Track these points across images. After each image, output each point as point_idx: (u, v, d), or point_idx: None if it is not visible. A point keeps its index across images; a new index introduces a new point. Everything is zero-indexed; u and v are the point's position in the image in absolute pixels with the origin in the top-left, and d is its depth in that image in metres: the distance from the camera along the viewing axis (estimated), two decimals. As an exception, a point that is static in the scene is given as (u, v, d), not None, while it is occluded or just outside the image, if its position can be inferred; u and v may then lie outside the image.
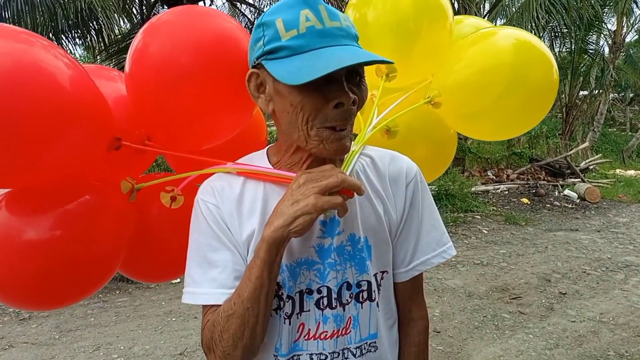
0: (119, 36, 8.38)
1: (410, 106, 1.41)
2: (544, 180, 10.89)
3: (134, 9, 7.70)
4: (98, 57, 8.14)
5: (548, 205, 9.07)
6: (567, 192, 9.80)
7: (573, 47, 13.08)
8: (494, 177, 11.03)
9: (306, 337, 0.98)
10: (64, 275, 1.11)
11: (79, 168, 1.08)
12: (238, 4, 9.75)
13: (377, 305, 1.03)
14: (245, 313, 0.87)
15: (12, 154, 0.93)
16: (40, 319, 4.23)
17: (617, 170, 13.50)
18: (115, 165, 1.22)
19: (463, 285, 5.00)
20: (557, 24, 10.72)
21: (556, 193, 9.94)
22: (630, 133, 21.77)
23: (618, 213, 8.64)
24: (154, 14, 7.40)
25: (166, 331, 3.99)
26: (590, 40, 13.69)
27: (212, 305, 0.94)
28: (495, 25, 1.78)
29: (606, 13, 14.90)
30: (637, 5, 14.96)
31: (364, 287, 1.01)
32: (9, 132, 0.91)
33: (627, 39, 17.80)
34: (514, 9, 10.21)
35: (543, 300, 4.60)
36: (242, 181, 0.99)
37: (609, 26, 15.75)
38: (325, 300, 0.98)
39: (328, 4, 0.89)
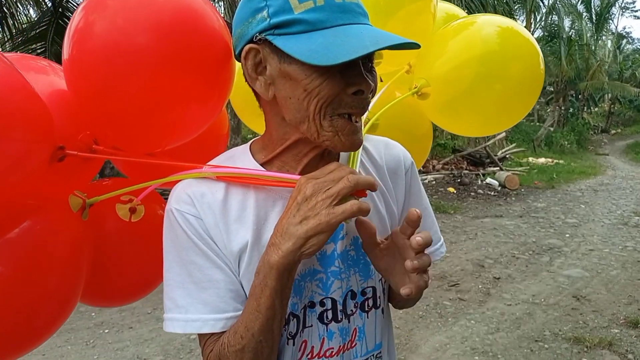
0: (27, 25, 7.64)
1: (387, 97, 1.30)
2: (466, 169, 11.41)
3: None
4: (2, 47, 7.39)
5: (473, 194, 9.48)
6: (489, 180, 10.30)
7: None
8: (421, 168, 11.39)
9: (309, 356, 0.87)
10: (8, 323, 0.88)
11: (14, 188, 0.86)
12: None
13: (382, 312, 0.94)
14: (258, 346, 0.76)
15: None
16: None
17: (530, 159, 14.43)
18: (60, 178, 0.99)
19: (403, 275, 5.04)
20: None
21: (479, 181, 10.43)
22: (538, 123, 23.41)
23: (536, 199, 9.21)
24: (67, 1, 6.81)
25: (99, 344, 3.67)
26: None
27: (212, 334, 0.81)
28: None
29: (516, 11, 15.83)
30: (543, 3, 16.02)
31: (369, 295, 0.91)
32: None
33: (535, 35, 19.05)
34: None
35: (480, 286, 4.76)
36: (224, 185, 0.84)
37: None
38: (329, 314, 0.87)
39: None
